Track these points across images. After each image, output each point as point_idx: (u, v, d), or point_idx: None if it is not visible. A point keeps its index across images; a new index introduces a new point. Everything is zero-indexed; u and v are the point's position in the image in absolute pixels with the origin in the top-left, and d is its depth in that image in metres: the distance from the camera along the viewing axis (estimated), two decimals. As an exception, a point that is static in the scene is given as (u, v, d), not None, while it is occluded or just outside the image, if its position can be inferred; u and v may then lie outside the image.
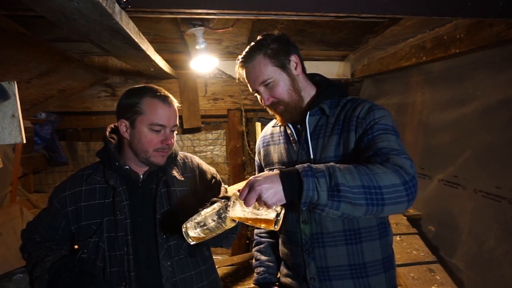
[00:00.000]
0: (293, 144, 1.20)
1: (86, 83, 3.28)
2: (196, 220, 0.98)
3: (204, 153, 3.94)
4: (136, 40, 1.49)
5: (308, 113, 1.16)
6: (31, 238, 1.22)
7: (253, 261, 1.41)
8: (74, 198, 1.19)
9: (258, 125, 3.99)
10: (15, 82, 1.13)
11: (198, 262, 1.25)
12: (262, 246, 1.40)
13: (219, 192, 1.32)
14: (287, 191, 0.87)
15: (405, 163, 0.92)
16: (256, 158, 1.43)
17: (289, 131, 1.23)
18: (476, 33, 1.90)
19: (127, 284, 1.13)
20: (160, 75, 3.19)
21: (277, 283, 1.32)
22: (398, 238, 2.66)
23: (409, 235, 2.70)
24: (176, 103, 1.23)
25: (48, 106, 3.14)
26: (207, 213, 0.98)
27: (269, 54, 1.14)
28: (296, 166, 0.91)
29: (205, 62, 2.70)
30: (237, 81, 1.29)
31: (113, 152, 1.21)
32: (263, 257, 1.37)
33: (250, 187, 0.88)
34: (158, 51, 2.23)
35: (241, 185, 0.93)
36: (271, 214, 0.90)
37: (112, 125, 1.30)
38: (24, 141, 1.17)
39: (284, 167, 1.20)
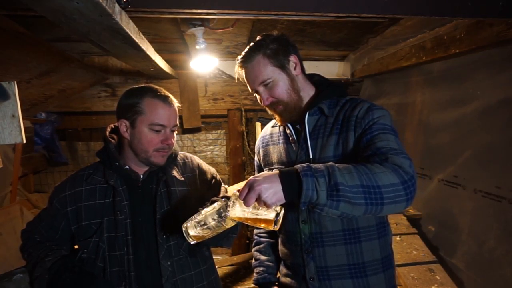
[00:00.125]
0: (292, 144, 1.21)
1: (86, 83, 3.29)
2: (196, 220, 0.98)
3: (204, 153, 3.94)
4: (136, 40, 1.49)
5: (307, 113, 1.16)
6: (31, 238, 1.22)
7: (253, 261, 1.41)
8: (74, 198, 1.19)
9: (258, 125, 4.00)
10: (15, 82, 1.13)
11: (198, 262, 1.25)
12: (261, 246, 1.40)
13: (219, 192, 1.32)
14: (286, 191, 0.87)
15: (404, 163, 0.92)
16: (256, 158, 1.43)
17: (288, 131, 1.23)
18: (476, 33, 1.90)
19: (127, 284, 1.13)
20: (160, 75, 3.19)
21: (276, 283, 1.32)
22: (398, 238, 2.66)
23: (409, 235, 2.70)
24: (176, 103, 1.23)
25: (48, 106, 3.14)
26: (207, 212, 0.98)
27: (268, 54, 1.14)
28: (296, 166, 0.91)
29: (205, 62, 2.70)
30: (236, 81, 1.29)
31: (113, 152, 1.21)
32: (262, 257, 1.37)
33: (250, 187, 0.88)
34: (158, 51, 2.23)
35: (241, 185, 0.93)
36: (270, 214, 0.90)
37: (112, 125, 1.30)
38: (24, 141, 1.17)
39: (284, 167, 1.20)
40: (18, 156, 2.87)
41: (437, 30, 2.29)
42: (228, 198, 1.00)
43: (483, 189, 2.19)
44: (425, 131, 2.83)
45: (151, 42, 1.94)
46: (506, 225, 2.00)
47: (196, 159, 1.40)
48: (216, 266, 1.42)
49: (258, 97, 1.21)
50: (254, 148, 1.47)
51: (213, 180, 1.37)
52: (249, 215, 0.91)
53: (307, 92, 1.21)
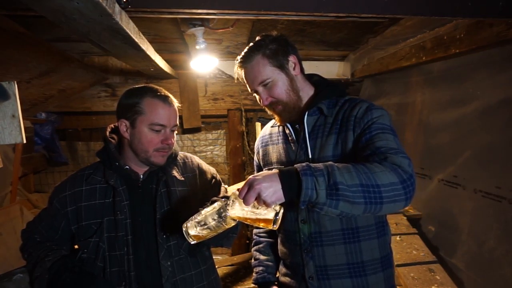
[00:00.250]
0: (292, 144, 1.21)
1: (86, 83, 3.29)
2: (196, 220, 0.98)
3: (204, 153, 3.94)
4: (136, 40, 1.49)
5: (307, 113, 1.16)
6: (31, 238, 1.22)
7: (252, 260, 1.41)
8: (74, 198, 1.19)
9: (258, 125, 4.00)
10: (15, 82, 1.13)
11: (198, 262, 1.25)
12: (261, 245, 1.40)
13: (219, 192, 1.32)
14: (286, 190, 0.88)
15: (403, 162, 0.93)
16: (255, 158, 1.43)
17: (287, 131, 1.23)
18: (476, 33, 1.90)
19: (127, 284, 1.13)
20: (160, 75, 3.19)
21: (276, 282, 1.32)
22: (398, 238, 2.66)
23: (409, 235, 2.70)
24: (176, 103, 1.23)
25: (48, 106, 3.14)
26: (208, 212, 0.98)
27: (267, 54, 1.14)
28: (295, 165, 0.91)
29: (205, 62, 2.70)
30: (236, 81, 1.29)
31: (113, 152, 1.21)
32: (262, 257, 1.37)
33: (249, 186, 0.88)
34: (158, 51, 2.24)
35: (241, 185, 0.93)
36: (270, 213, 0.90)
37: (112, 125, 1.30)
38: (24, 141, 1.17)
39: (283, 166, 1.20)
40: (18, 156, 2.87)
41: (437, 30, 2.29)
42: (228, 198, 1.00)
43: (483, 189, 2.19)
44: (425, 131, 2.83)
45: (151, 42, 1.94)
46: (506, 225, 2.00)
47: (196, 159, 1.40)
48: (216, 266, 1.42)
49: (257, 97, 1.21)
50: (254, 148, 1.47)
51: (213, 180, 1.37)
52: (249, 214, 0.92)
53: (306, 92, 1.21)
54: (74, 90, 3.23)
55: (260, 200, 0.87)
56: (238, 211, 0.92)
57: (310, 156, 1.13)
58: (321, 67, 3.69)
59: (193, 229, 0.98)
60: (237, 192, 0.92)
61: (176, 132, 1.26)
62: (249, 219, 0.92)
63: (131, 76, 3.60)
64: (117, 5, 1.10)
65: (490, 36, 1.79)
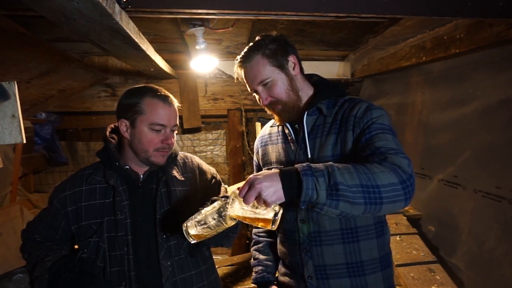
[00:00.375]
0: (291, 144, 1.21)
1: (86, 83, 3.29)
2: (196, 219, 0.98)
3: (204, 153, 3.94)
4: (136, 40, 1.49)
5: (306, 112, 1.16)
6: (31, 238, 1.22)
7: (252, 260, 1.41)
8: (74, 198, 1.19)
9: (258, 125, 4.00)
10: (15, 82, 1.13)
11: (198, 262, 1.25)
12: (260, 245, 1.41)
13: (219, 192, 1.32)
14: (286, 190, 0.88)
15: (403, 162, 0.93)
16: (254, 157, 1.44)
17: (287, 131, 1.23)
18: (476, 33, 1.90)
19: (127, 284, 1.13)
20: (160, 75, 3.19)
21: (275, 282, 1.32)
22: (398, 238, 2.66)
23: (409, 235, 2.70)
24: (176, 103, 1.23)
25: (48, 106, 3.14)
26: (207, 211, 0.98)
27: (267, 54, 1.14)
28: (296, 165, 0.91)
29: (205, 62, 2.70)
30: (235, 81, 1.29)
31: (113, 152, 1.21)
32: (261, 256, 1.38)
33: (250, 185, 0.88)
34: (158, 51, 2.24)
35: (241, 184, 0.93)
36: (269, 214, 0.90)
37: (112, 125, 1.30)
38: (24, 141, 1.17)
39: (282, 166, 1.21)
40: (18, 156, 2.87)
41: (437, 30, 2.29)
42: (228, 197, 1.00)
43: (483, 189, 2.19)
44: (425, 131, 2.83)
45: (151, 42, 1.94)
46: (506, 225, 2.00)
47: (196, 159, 1.40)
48: (216, 266, 1.42)
49: (257, 96, 1.22)
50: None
51: (213, 180, 1.37)
52: (248, 214, 0.92)
53: (306, 92, 1.21)
54: (74, 90, 3.23)
55: (260, 200, 0.87)
56: (237, 210, 0.93)
57: (309, 156, 1.13)
58: (321, 67, 3.69)
59: (193, 229, 0.98)
60: (237, 191, 0.92)
61: (176, 132, 1.26)
62: (248, 218, 0.92)
63: (131, 76, 3.60)
64: (117, 5, 1.10)
65: (490, 36, 1.79)
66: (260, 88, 1.17)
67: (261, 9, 1.26)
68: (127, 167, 1.21)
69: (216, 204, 0.98)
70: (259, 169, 1.39)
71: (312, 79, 1.27)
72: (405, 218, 2.87)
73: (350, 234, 1.10)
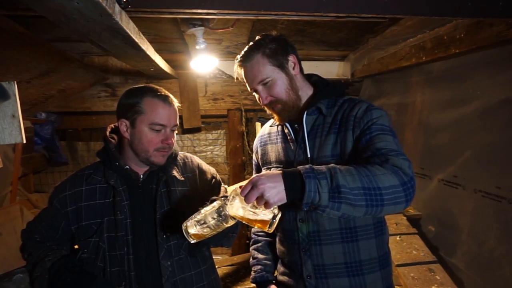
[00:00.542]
0: (291, 143, 1.21)
1: (86, 83, 3.29)
2: (196, 219, 0.98)
3: (204, 153, 3.94)
4: (136, 40, 1.49)
5: (306, 112, 1.17)
6: (31, 238, 1.22)
7: (251, 259, 1.41)
8: (74, 198, 1.19)
9: (258, 125, 4.00)
10: (15, 82, 1.13)
11: (198, 262, 1.25)
12: (259, 244, 1.41)
13: (219, 192, 1.32)
14: (288, 191, 0.88)
15: (404, 164, 0.93)
16: (254, 157, 1.44)
17: (286, 131, 1.23)
18: (476, 33, 1.90)
19: (127, 284, 1.13)
20: (160, 75, 3.19)
21: (274, 281, 1.32)
22: (398, 238, 2.66)
23: (409, 235, 2.70)
24: (176, 103, 1.23)
25: (48, 106, 3.14)
26: (207, 211, 0.98)
27: (267, 53, 1.15)
28: (298, 167, 0.91)
29: (205, 62, 2.70)
30: (235, 81, 1.30)
31: (113, 152, 1.21)
32: (260, 256, 1.38)
33: (253, 184, 0.88)
34: (158, 51, 2.24)
35: (241, 184, 0.93)
36: (268, 215, 0.90)
37: (112, 125, 1.30)
38: (24, 141, 1.17)
39: (282, 166, 1.21)
40: (18, 156, 2.87)
41: (437, 30, 2.29)
42: (227, 198, 1.00)
43: (483, 189, 2.19)
44: (425, 131, 2.83)
45: (151, 42, 1.94)
46: (506, 225, 2.00)
47: (196, 159, 1.40)
48: (216, 266, 1.42)
49: (257, 96, 1.22)
50: (253, 147, 1.47)
51: (213, 180, 1.37)
52: (247, 213, 0.92)
53: (306, 91, 1.22)
54: (74, 90, 3.23)
55: (262, 200, 0.87)
56: (236, 208, 0.93)
57: (309, 156, 1.13)
58: (321, 67, 3.69)
59: (192, 228, 0.98)
60: (238, 190, 0.92)
61: (176, 132, 1.26)
62: (246, 218, 0.92)
63: (131, 76, 3.60)
64: (117, 5, 1.10)
65: (490, 36, 1.79)
66: (260, 88, 1.17)
67: (261, 9, 1.26)
68: (127, 167, 1.21)
69: (216, 204, 0.98)
70: (258, 168, 1.39)
71: (311, 79, 1.27)
72: (405, 218, 2.87)
73: (349, 233, 1.10)
